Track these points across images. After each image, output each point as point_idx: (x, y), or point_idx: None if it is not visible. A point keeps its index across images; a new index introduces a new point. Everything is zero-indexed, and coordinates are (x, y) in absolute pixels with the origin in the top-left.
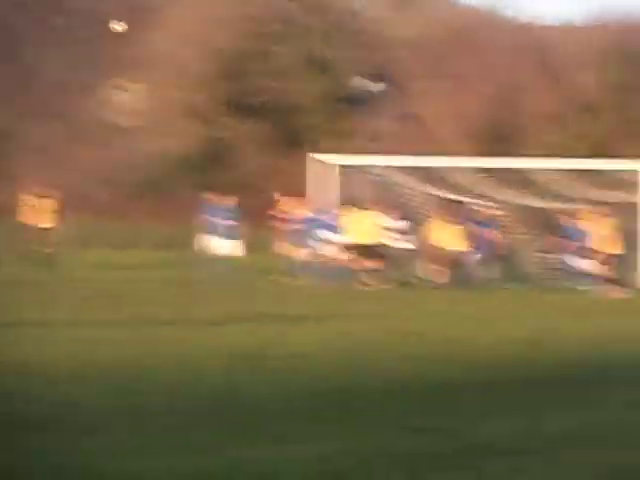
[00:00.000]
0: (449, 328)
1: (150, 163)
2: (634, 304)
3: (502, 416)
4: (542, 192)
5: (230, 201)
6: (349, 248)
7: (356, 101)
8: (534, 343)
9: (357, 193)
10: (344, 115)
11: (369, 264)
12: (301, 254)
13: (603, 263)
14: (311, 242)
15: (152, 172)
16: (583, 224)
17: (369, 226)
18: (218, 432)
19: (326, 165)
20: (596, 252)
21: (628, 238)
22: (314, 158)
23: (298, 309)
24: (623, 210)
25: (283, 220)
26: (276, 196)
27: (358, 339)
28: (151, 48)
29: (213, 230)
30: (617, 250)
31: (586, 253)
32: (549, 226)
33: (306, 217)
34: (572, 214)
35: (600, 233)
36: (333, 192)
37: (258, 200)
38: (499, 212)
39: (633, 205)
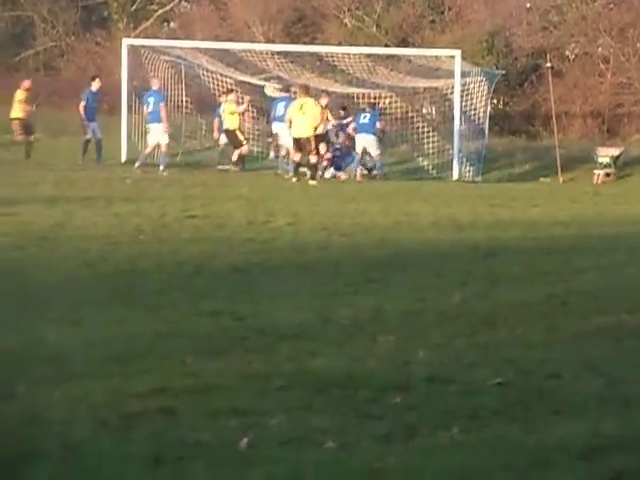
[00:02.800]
0: (249, 211)
1: None
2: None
3: (295, 301)
4: (343, 78)
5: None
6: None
7: None
8: (324, 228)
9: (154, 75)
10: None
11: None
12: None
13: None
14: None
15: None
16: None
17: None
18: (10, 312)
19: (135, 48)
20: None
21: (431, 124)
22: (126, 41)
23: (88, 191)
24: (432, 96)
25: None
26: None
27: (151, 221)
28: None
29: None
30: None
31: None
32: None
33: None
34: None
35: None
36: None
37: (57, 81)
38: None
39: (438, 91)
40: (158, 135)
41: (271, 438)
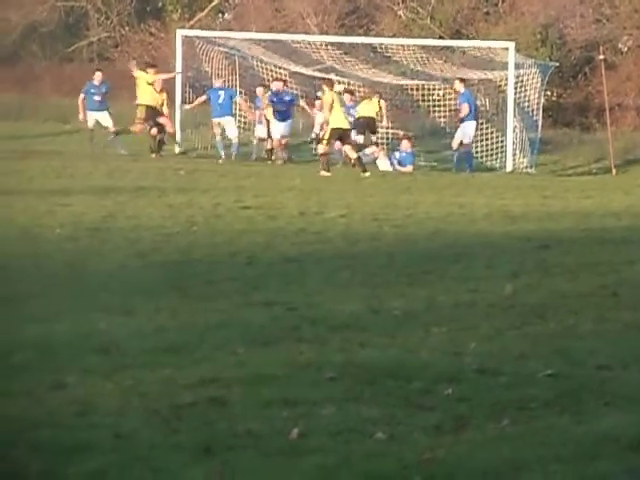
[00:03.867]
0: (301, 202)
1: None
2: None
3: (347, 291)
4: (397, 69)
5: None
6: None
7: None
8: (376, 219)
9: (207, 66)
10: None
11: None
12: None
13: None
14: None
15: None
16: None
17: None
18: (62, 302)
19: (189, 39)
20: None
21: (485, 116)
22: (180, 32)
23: (141, 182)
24: (486, 88)
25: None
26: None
27: (204, 212)
28: None
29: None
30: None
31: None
32: None
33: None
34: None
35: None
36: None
37: (111, 71)
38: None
39: (492, 83)
40: (231, 127)
41: (321, 429)
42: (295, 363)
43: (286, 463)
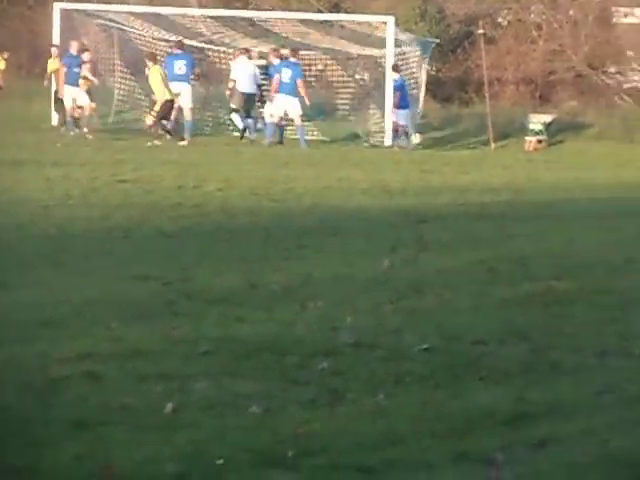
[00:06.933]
0: (179, 176)
1: None
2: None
3: (224, 266)
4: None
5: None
6: None
7: None
8: (254, 193)
9: (86, 39)
10: None
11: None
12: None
13: None
14: None
15: None
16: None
17: None
18: None
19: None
20: None
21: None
22: (58, 4)
23: (18, 154)
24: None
25: None
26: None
27: (81, 185)
28: None
29: None
30: None
31: None
32: None
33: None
34: None
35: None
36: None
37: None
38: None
39: (372, 58)
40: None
41: (195, 403)
42: (171, 337)
43: (159, 438)
